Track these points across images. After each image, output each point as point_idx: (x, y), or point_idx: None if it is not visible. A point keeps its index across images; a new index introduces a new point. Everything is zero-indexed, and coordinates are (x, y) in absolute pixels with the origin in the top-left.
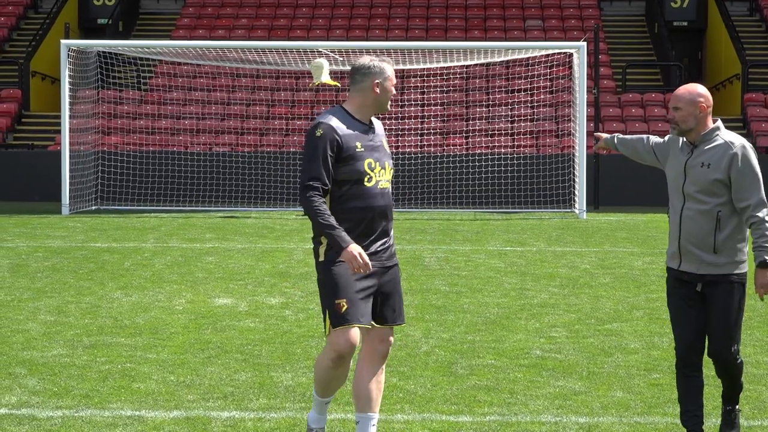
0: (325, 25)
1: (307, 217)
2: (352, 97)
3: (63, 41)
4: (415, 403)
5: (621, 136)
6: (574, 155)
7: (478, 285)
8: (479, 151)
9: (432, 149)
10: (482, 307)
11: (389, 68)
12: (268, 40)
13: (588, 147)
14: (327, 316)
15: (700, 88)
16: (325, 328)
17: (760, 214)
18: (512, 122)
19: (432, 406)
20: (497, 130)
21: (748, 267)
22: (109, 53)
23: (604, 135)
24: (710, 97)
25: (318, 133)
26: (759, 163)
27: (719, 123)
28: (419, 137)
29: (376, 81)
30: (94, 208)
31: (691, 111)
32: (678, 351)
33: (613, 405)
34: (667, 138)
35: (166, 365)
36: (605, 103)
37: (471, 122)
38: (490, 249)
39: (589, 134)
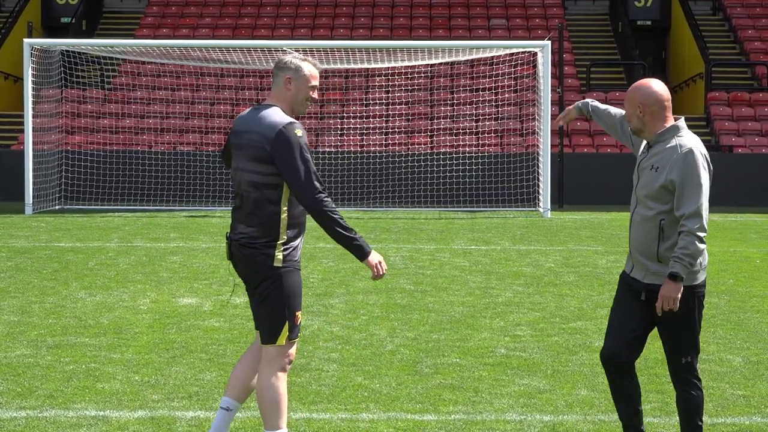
0: (289, 24)
1: (321, 224)
2: (273, 95)
3: (26, 40)
4: (381, 402)
5: (595, 103)
6: (538, 154)
7: (442, 284)
8: (444, 150)
9: (396, 148)
10: (447, 305)
11: (308, 68)
12: (233, 39)
13: (553, 146)
14: (284, 326)
15: (644, 88)
16: (275, 339)
17: (690, 225)
18: (477, 121)
19: (397, 404)
20: (462, 129)
21: (704, 278)
22: (73, 52)
23: (574, 105)
24: (660, 96)
25: (299, 134)
26: (717, 166)
27: (680, 123)
28: (384, 136)
29: (287, 77)
30: (57, 207)
31: (632, 111)
32: (602, 353)
33: (577, 403)
34: None
35: (130, 365)
36: (569, 101)
37: (435, 121)
38: (454, 248)
39: (554, 133)
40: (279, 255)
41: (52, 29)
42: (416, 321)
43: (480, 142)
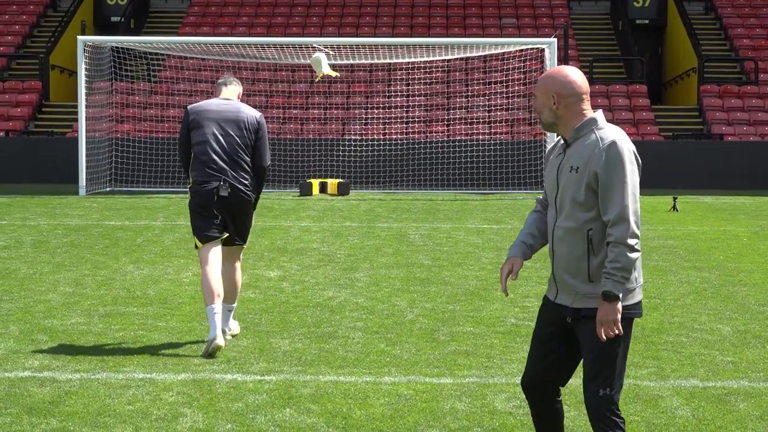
0: (318, 23)
1: (259, 182)
2: (235, 96)
3: (79, 37)
4: (401, 367)
5: (524, 239)
6: (545, 141)
7: (458, 259)
8: (459, 137)
9: (416, 136)
10: (462, 279)
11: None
12: (267, 36)
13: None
14: (247, 239)
15: (560, 76)
16: (244, 244)
17: (617, 233)
18: (489, 111)
19: (416, 369)
20: (475, 119)
21: (640, 297)
22: (122, 48)
23: (512, 259)
24: (578, 85)
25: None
26: (709, 154)
27: (597, 115)
28: (404, 125)
29: (240, 91)
30: (108, 189)
31: (545, 102)
32: (522, 381)
33: (579, 367)
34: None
35: (174, 332)
36: None
37: (451, 111)
38: (469, 227)
39: None
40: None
41: (104, 27)
42: (434, 293)
43: (492, 130)
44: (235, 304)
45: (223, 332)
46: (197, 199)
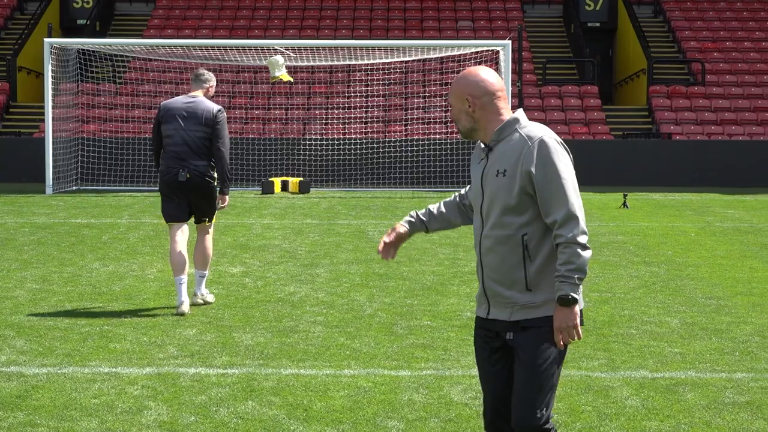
0: (279, 25)
1: (221, 167)
2: (199, 92)
3: (46, 39)
4: (361, 360)
5: (428, 210)
6: None
7: (416, 255)
8: (417, 137)
9: (375, 135)
10: (419, 274)
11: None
12: (229, 38)
13: None
14: (212, 216)
15: (471, 77)
16: (212, 218)
17: (567, 232)
18: (446, 111)
19: (375, 362)
20: (433, 119)
21: (581, 305)
22: (88, 50)
23: (401, 225)
24: (491, 84)
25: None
26: (658, 152)
27: (518, 113)
28: (364, 125)
29: (210, 85)
30: (74, 188)
31: (460, 107)
32: (484, 414)
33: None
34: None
35: (139, 327)
36: (528, 94)
37: (409, 111)
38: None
39: None
40: (215, 183)
41: (70, 30)
42: (392, 288)
43: (449, 129)
44: (206, 272)
45: (195, 296)
46: (163, 185)
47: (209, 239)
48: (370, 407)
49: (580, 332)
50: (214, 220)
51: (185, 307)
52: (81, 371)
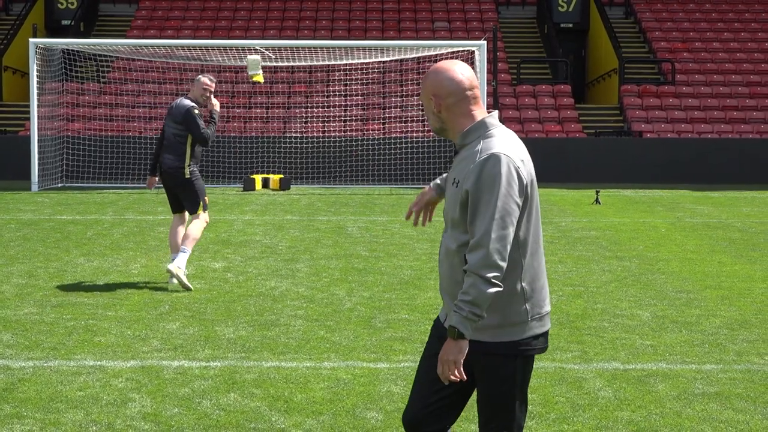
0: (260, 26)
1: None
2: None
3: (31, 40)
4: (340, 352)
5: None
6: None
7: (393, 250)
8: (394, 135)
9: (353, 133)
10: (397, 269)
11: (204, 78)
12: (211, 39)
13: None
14: (200, 205)
15: (439, 73)
16: (197, 210)
17: (471, 260)
18: (422, 110)
19: (354, 354)
20: (410, 117)
21: (538, 331)
22: (72, 51)
23: (430, 189)
24: (458, 83)
25: (196, 111)
26: (629, 150)
27: (489, 118)
28: (342, 123)
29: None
30: (60, 185)
31: (428, 106)
32: (403, 417)
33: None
34: None
35: (123, 321)
36: (503, 93)
37: (387, 110)
38: (404, 219)
39: None
40: (186, 171)
41: (54, 30)
42: (371, 282)
43: (425, 128)
44: (187, 248)
45: (170, 272)
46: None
47: (197, 223)
48: (349, 399)
49: (462, 374)
50: (201, 212)
51: (170, 266)
52: (66, 364)
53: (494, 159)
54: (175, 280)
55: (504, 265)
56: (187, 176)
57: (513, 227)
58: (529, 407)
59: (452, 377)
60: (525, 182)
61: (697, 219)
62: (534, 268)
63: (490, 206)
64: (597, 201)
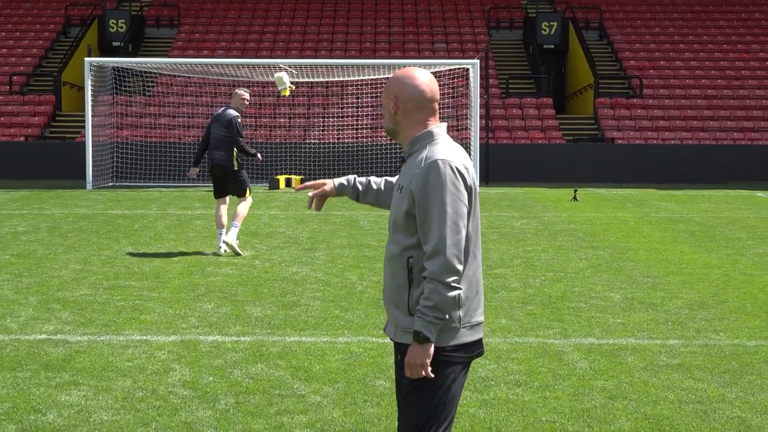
0: (284, 47)
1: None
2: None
3: (86, 59)
4: (353, 329)
5: (364, 180)
6: (470, 143)
7: None
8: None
9: (364, 140)
10: None
11: (242, 91)
12: (241, 58)
13: (481, 138)
14: (247, 190)
15: (404, 78)
16: (244, 194)
17: (432, 267)
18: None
19: (365, 330)
20: None
21: (467, 339)
22: (121, 68)
23: (331, 184)
24: (421, 90)
25: (239, 120)
26: (603, 155)
27: (436, 128)
28: (355, 131)
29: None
30: (111, 184)
31: (386, 104)
32: None
33: (499, 329)
34: None
35: (165, 302)
36: (493, 105)
37: None
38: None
39: (481, 128)
40: (235, 164)
41: (106, 50)
42: (379, 269)
43: None
44: (236, 222)
45: (225, 243)
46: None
47: (244, 204)
48: (361, 369)
49: (430, 372)
50: (248, 195)
51: (221, 251)
52: (116, 339)
53: (440, 164)
54: (226, 249)
55: (461, 267)
56: (236, 168)
57: (465, 229)
58: (516, 377)
59: (417, 378)
60: (470, 186)
61: (662, 214)
62: (469, 276)
63: (441, 212)
64: (575, 198)
